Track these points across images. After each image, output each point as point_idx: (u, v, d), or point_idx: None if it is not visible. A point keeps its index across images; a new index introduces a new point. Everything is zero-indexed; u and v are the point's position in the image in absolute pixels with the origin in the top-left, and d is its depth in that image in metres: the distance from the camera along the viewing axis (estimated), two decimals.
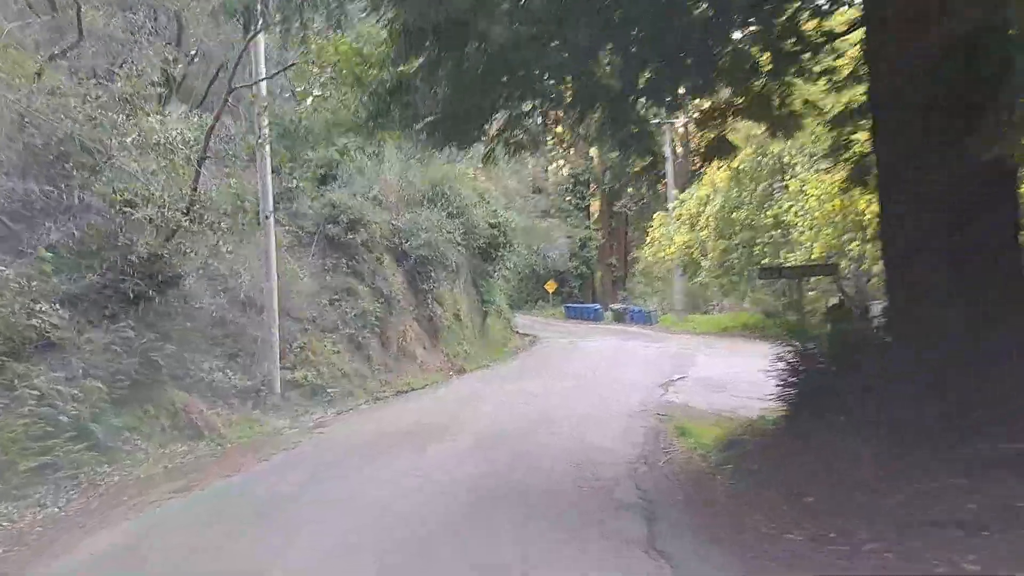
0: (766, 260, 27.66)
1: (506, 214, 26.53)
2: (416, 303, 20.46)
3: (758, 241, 27.93)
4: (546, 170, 50.73)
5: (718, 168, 21.43)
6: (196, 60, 17.83)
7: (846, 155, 9.99)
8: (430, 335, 20.99)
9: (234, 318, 13.63)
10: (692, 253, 32.89)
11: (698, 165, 10.60)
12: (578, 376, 18.65)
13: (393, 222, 19.98)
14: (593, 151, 52.80)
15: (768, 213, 27.13)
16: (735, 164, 26.40)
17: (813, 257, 22.48)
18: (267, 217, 13.73)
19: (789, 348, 8.36)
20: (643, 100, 9.18)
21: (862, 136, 9.31)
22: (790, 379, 8.32)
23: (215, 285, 13.45)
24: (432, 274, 20.77)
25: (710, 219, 30.75)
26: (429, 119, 8.54)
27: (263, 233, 13.98)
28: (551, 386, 16.78)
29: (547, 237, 39.07)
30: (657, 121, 10.02)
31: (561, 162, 55.16)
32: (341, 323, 16.23)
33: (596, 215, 54.73)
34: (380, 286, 18.16)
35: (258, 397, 13.18)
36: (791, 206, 25.01)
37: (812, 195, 23.31)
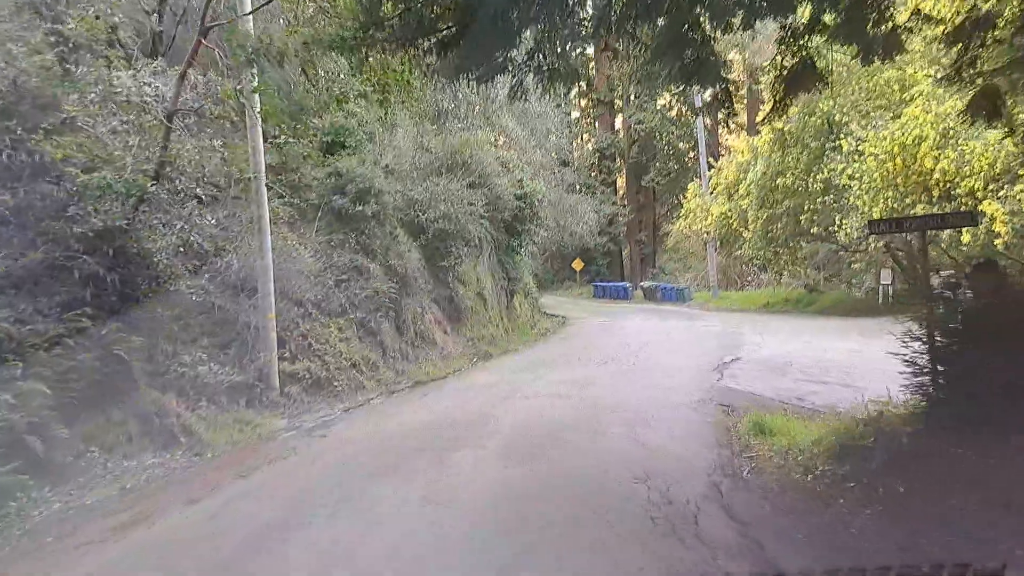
0: (815, 229, 25.56)
1: (533, 184, 24.43)
2: (435, 282, 18.51)
3: (806, 208, 25.67)
4: (571, 143, 48.55)
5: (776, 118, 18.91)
6: (183, 17, 15.94)
7: (971, 75, 7.90)
8: (451, 318, 19.04)
9: (223, 303, 11.69)
10: (731, 224, 30.59)
11: (779, 97, 8.62)
12: (618, 361, 16.61)
13: (408, 193, 17.97)
14: (619, 122, 50.70)
15: (818, 177, 24.88)
16: (779, 125, 24.27)
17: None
18: (254, 177, 11.68)
19: (925, 323, 6.28)
20: (707, 16, 7.20)
21: None
22: (926, 365, 6.25)
23: (198, 264, 11.56)
24: (452, 250, 18.76)
25: (751, 186, 28.42)
26: (440, 34, 6.49)
27: (255, 202, 12.05)
28: (589, 374, 14.78)
29: (574, 212, 36.95)
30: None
31: (586, 136, 53.06)
32: (349, 306, 14.23)
33: (622, 190, 52.50)
34: (394, 264, 16.15)
35: (252, 393, 11.29)
36: (844, 168, 22.76)
37: (870, 154, 21.15)
